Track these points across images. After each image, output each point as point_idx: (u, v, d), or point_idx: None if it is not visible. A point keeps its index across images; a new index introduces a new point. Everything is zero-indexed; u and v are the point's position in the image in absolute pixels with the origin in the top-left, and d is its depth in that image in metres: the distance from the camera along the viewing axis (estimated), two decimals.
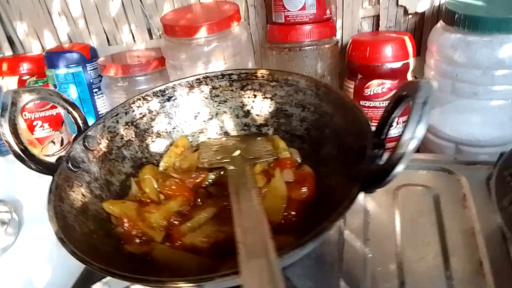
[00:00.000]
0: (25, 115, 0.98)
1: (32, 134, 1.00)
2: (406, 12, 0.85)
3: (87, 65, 0.95)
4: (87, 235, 0.48)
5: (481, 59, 0.68)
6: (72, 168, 0.52)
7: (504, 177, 0.52)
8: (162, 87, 0.64)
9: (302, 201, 0.53)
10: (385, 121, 0.46)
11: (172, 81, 0.65)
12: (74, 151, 0.54)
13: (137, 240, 0.50)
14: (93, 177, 0.55)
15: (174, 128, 0.66)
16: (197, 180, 0.55)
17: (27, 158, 0.49)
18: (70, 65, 0.94)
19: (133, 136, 0.62)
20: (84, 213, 0.51)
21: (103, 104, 1.00)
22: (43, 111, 0.99)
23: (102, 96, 0.98)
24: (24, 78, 0.98)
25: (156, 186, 0.56)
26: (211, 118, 0.67)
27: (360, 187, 0.41)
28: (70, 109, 0.56)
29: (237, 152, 0.58)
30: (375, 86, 0.79)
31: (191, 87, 0.66)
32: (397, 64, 0.77)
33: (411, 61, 0.79)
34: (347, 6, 0.86)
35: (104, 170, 0.57)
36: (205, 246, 0.47)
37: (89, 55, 0.96)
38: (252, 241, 0.38)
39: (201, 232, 0.48)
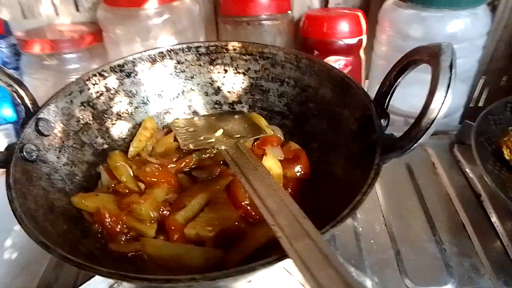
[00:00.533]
0: None
1: None
2: None
3: (0, 41, 0.80)
4: (62, 237, 0.39)
5: (435, 34, 0.71)
6: (27, 158, 0.43)
7: (481, 143, 0.55)
8: (120, 61, 0.56)
9: (298, 179, 0.50)
10: (388, 90, 0.45)
11: (132, 55, 0.57)
12: (27, 138, 0.44)
13: (123, 238, 0.42)
14: (52, 168, 0.46)
15: (136, 108, 0.58)
16: (181, 165, 0.49)
17: None
18: None
19: (91, 118, 0.53)
20: (51, 210, 0.42)
21: None
22: None
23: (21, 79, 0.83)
24: None
25: (132, 173, 0.48)
26: (177, 97, 0.60)
27: (381, 157, 0.39)
28: (16, 86, 0.45)
29: (220, 132, 0.53)
30: (332, 62, 0.78)
31: (153, 61, 0.58)
32: (353, 40, 0.78)
33: (364, 37, 0.80)
34: None
35: (63, 160, 0.48)
36: (210, 236, 0.42)
37: (2, 30, 0.80)
38: (286, 223, 0.34)
39: (203, 220, 0.43)
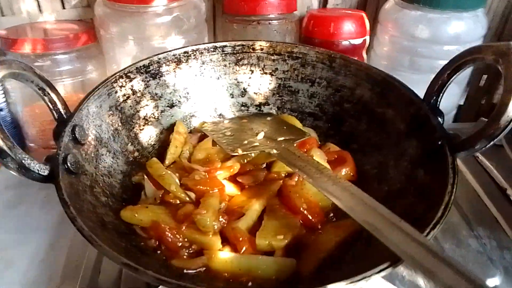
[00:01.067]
0: None
1: None
2: None
3: None
4: (127, 256, 0.35)
5: (442, 35, 0.73)
6: (71, 170, 0.38)
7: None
8: (146, 62, 0.52)
9: None
10: (440, 88, 0.46)
11: (157, 55, 0.53)
12: (66, 147, 0.39)
13: (186, 252, 0.39)
14: (92, 180, 0.41)
15: (163, 112, 0.54)
16: (230, 171, 0.46)
17: (16, 157, 0.33)
18: None
19: (119, 124, 0.49)
20: (105, 228, 0.37)
21: (1, 94, 0.76)
22: None
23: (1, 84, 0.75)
24: None
25: (178, 182, 0.44)
26: (203, 99, 0.57)
27: (453, 156, 0.39)
28: (48, 90, 0.40)
29: (262, 135, 0.51)
30: None
31: (178, 61, 0.54)
32: (358, 41, 0.78)
33: (368, 38, 0.81)
34: None
35: (101, 170, 0.44)
36: (282, 245, 0.39)
37: None
38: (383, 226, 0.33)
39: (270, 229, 0.40)
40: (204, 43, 0.56)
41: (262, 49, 0.57)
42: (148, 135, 0.52)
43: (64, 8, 0.80)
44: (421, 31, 0.74)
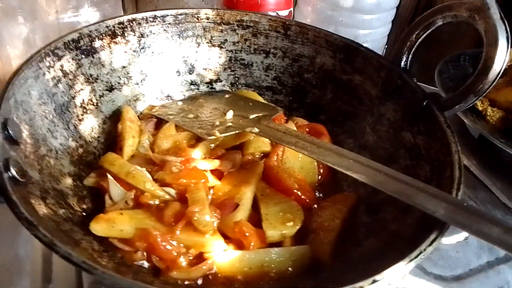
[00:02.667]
0: None
1: None
2: None
3: None
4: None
5: (364, 4, 0.74)
6: (18, 179, 0.28)
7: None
8: (75, 35, 0.41)
9: None
10: (409, 50, 0.45)
11: (86, 26, 0.43)
12: (3, 150, 0.28)
13: (184, 260, 0.32)
14: (42, 189, 0.31)
15: (101, 97, 0.44)
16: (207, 158, 0.39)
17: None
18: None
19: (53, 114, 0.38)
20: (79, 246, 0.28)
21: None
22: None
23: None
24: None
25: (151, 178, 0.36)
26: (145, 79, 0.49)
27: (443, 113, 0.39)
28: None
29: (231, 113, 0.45)
30: None
31: (113, 34, 0.45)
32: (285, 12, 0.75)
33: (292, 9, 0.79)
34: None
35: (45, 176, 0.33)
36: (294, 231, 0.35)
37: None
38: (411, 193, 0.31)
39: (275, 217, 0.36)
40: (142, 12, 0.46)
41: (208, 18, 0.50)
42: (89, 126, 0.42)
43: None
44: (345, 0, 0.74)
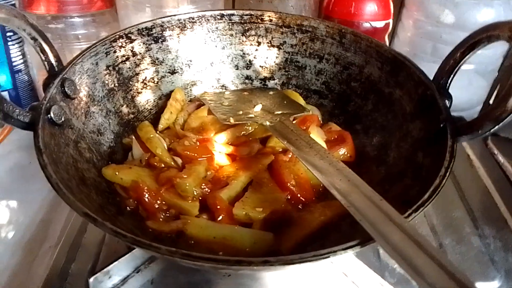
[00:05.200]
0: None
1: None
2: None
3: None
4: (100, 212, 0.34)
5: (468, 21, 0.68)
6: (54, 121, 0.37)
7: None
8: (149, 24, 0.51)
9: (342, 162, 0.47)
10: (451, 69, 0.42)
11: (160, 18, 0.52)
12: (52, 99, 0.38)
13: (162, 215, 0.38)
14: (78, 135, 0.41)
15: (163, 77, 0.53)
16: (221, 141, 0.44)
17: None
18: None
19: (116, 84, 0.48)
20: (83, 182, 0.37)
21: (18, 53, 0.77)
22: None
23: (19, 43, 0.76)
24: None
25: (166, 147, 0.43)
26: (206, 68, 0.56)
27: (454, 139, 0.36)
28: (40, 39, 0.40)
29: (259, 107, 0.49)
30: None
31: (183, 27, 0.53)
32: (381, 23, 0.74)
33: (391, 21, 0.77)
34: None
35: (90, 127, 0.43)
36: (260, 217, 0.38)
37: None
38: (362, 205, 0.31)
39: (251, 201, 0.39)
40: (210, 10, 0.54)
41: (271, 20, 0.54)
42: (145, 99, 0.51)
43: None
44: (446, 15, 0.70)
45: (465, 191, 0.55)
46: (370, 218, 0.30)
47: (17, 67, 0.74)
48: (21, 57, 0.77)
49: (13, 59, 0.75)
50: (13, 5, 0.72)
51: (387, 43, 0.79)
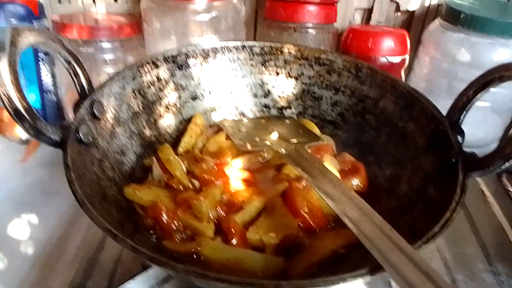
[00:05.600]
0: None
1: None
2: (398, 8, 0.85)
3: (34, 22, 0.77)
4: (119, 228, 0.36)
5: (484, 60, 0.70)
6: (82, 140, 0.39)
7: None
8: (174, 52, 0.53)
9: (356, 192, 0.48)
10: (464, 106, 0.44)
11: (185, 46, 0.54)
12: (81, 119, 0.41)
13: (178, 236, 0.39)
14: (103, 154, 0.43)
15: (185, 103, 0.55)
16: (237, 166, 0.46)
17: (31, 120, 0.35)
18: (12, 19, 0.74)
19: (140, 107, 0.50)
20: (105, 199, 0.39)
21: (48, 73, 0.81)
22: None
23: (49, 64, 0.80)
24: None
25: (184, 169, 0.45)
26: (226, 95, 0.58)
27: (465, 174, 0.37)
28: (74, 63, 0.43)
29: (276, 135, 0.51)
30: None
31: (206, 56, 0.56)
32: (397, 59, 0.77)
33: (407, 57, 0.79)
34: None
35: (114, 147, 0.45)
36: (273, 242, 0.39)
37: (37, 11, 0.77)
38: (372, 234, 0.32)
39: (265, 226, 0.40)
40: (233, 40, 0.56)
41: (290, 53, 0.57)
42: (167, 123, 0.53)
43: (116, 1, 0.84)
44: (462, 54, 0.71)
45: (479, 227, 0.55)
46: (380, 247, 0.30)
47: (46, 87, 0.78)
48: (50, 77, 0.80)
49: (43, 79, 0.79)
50: (48, 29, 0.76)
51: (403, 78, 0.81)
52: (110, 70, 0.77)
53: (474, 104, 0.68)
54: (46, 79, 0.80)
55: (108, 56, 0.76)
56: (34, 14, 0.76)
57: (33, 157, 0.72)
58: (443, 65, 0.74)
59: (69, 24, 0.72)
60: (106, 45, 0.74)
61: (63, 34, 0.72)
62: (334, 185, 0.38)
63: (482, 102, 0.71)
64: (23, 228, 0.55)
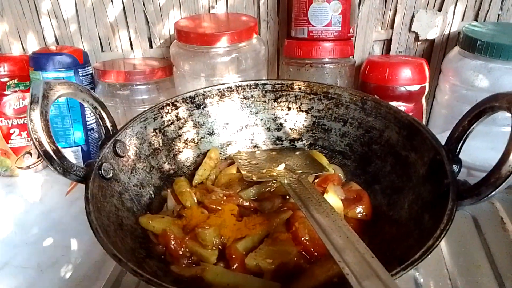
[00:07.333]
0: (1, 120, 0.87)
1: (7, 143, 0.88)
2: (417, 38, 0.86)
3: (79, 69, 0.87)
4: (130, 254, 0.40)
5: (502, 86, 0.69)
6: (104, 176, 0.45)
7: None
8: (192, 93, 0.59)
9: (359, 220, 0.50)
10: (461, 136, 0.45)
11: (202, 88, 0.60)
12: (105, 157, 0.47)
13: (185, 261, 0.43)
14: (123, 187, 0.48)
15: (202, 138, 0.60)
16: (245, 197, 0.50)
17: (59, 160, 0.41)
18: (60, 69, 0.84)
19: (161, 144, 0.56)
20: (121, 228, 0.43)
21: (92, 114, 0.91)
22: (22, 117, 0.88)
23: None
24: (3, 80, 0.87)
25: (195, 200, 0.49)
26: (240, 130, 0.62)
27: (454, 203, 0.38)
28: (100, 109, 0.49)
29: (282, 166, 0.54)
30: None
31: (222, 95, 0.61)
32: (415, 87, 0.78)
33: (427, 85, 0.79)
34: (361, 28, 0.86)
35: (134, 181, 0.50)
36: (270, 268, 0.41)
37: (82, 60, 0.87)
38: (353, 260, 0.34)
39: (264, 252, 0.43)
40: (247, 80, 0.61)
41: (300, 89, 0.61)
42: (185, 157, 0.58)
43: (151, 47, 0.93)
44: (480, 80, 0.71)
45: (495, 255, 0.54)
46: (357, 273, 0.32)
47: (90, 125, 0.87)
48: (93, 117, 0.90)
49: (87, 119, 0.88)
50: (91, 74, 0.86)
51: (425, 106, 0.81)
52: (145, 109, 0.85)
53: (500, 130, 0.68)
54: (90, 119, 0.89)
55: (143, 97, 0.84)
56: (79, 62, 0.86)
57: (78, 187, 0.80)
58: (462, 92, 0.75)
59: (108, 71, 0.80)
60: (140, 87, 0.82)
61: (104, 79, 0.81)
62: (327, 215, 0.41)
63: (498, 127, 0.71)
64: (66, 255, 0.61)
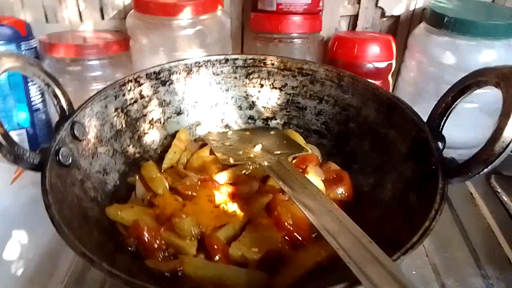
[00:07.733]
0: None
1: None
2: (383, 14, 0.85)
3: (21, 43, 0.77)
4: (98, 250, 0.36)
5: (468, 62, 0.70)
6: (62, 162, 0.40)
7: None
8: (157, 69, 0.54)
9: (340, 201, 0.48)
10: (444, 112, 0.44)
11: (168, 63, 0.55)
12: (62, 141, 0.41)
13: (161, 254, 0.39)
14: (84, 175, 0.43)
15: (169, 118, 0.56)
16: (222, 180, 0.46)
17: (9, 145, 0.35)
18: None
19: (124, 125, 0.50)
20: (85, 221, 0.39)
21: (37, 92, 0.82)
22: None
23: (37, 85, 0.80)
24: None
25: (167, 186, 0.45)
26: (210, 109, 0.58)
27: (445, 181, 0.37)
28: (53, 85, 0.43)
29: (259, 147, 0.51)
30: None
31: (189, 71, 0.56)
32: (383, 64, 0.77)
33: (394, 62, 0.79)
34: (328, 3, 0.83)
35: (96, 167, 0.45)
36: (256, 258, 0.39)
37: (24, 32, 0.78)
38: (350, 246, 0.32)
39: (247, 241, 0.40)
40: (216, 55, 0.57)
41: (273, 64, 0.57)
42: (151, 139, 0.53)
43: (103, 19, 0.85)
44: (447, 57, 0.71)
45: (468, 230, 0.55)
46: (358, 260, 0.30)
47: (35, 105, 0.78)
48: (39, 96, 0.81)
49: (32, 99, 0.79)
50: (35, 48, 0.77)
51: (391, 83, 0.81)
52: (99, 87, 0.77)
53: (463, 106, 0.69)
54: (35, 98, 0.80)
55: (97, 73, 0.76)
56: (21, 35, 0.76)
57: (25, 174, 0.72)
58: (429, 69, 0.75)
59: (55, 44, 0.72)
60: (93, 63, 0.75)
61: (51, 54, 0.73)
62: (315, 198, 0.38)
63: (470, 104, 0.72)
64: (14, 249, 0.55)
